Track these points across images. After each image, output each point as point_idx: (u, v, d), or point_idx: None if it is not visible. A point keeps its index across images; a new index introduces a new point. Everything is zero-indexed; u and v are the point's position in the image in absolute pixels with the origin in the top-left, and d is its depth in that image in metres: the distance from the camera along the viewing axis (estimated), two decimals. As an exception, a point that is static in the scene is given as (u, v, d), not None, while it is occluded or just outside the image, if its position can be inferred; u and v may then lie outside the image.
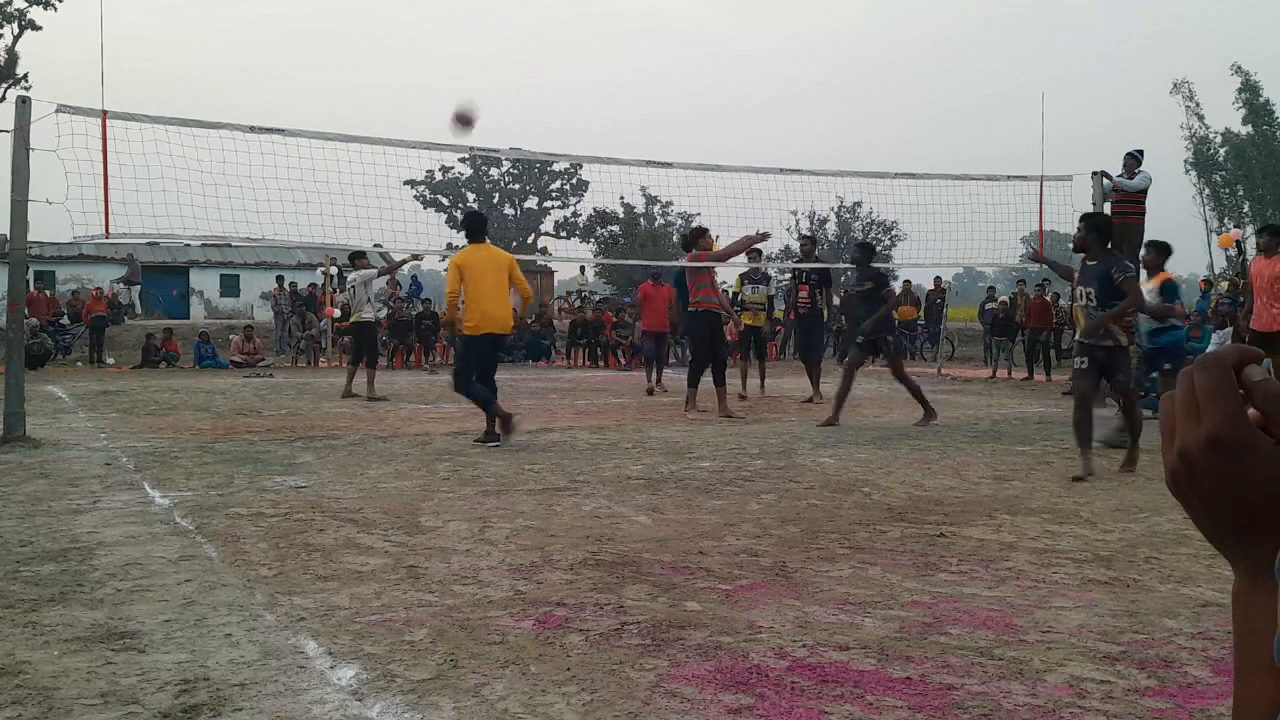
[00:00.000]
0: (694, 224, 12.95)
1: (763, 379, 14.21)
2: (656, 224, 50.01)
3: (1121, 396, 7.50)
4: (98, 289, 27.64)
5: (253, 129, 9.76)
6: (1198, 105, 46.02)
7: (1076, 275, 7.53)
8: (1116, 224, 13.10)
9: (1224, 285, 17.99)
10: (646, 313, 15.45)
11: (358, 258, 14.41)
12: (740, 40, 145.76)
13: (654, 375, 14.89)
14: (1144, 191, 13.06)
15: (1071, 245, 7.56)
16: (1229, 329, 13.58)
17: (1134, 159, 13.02)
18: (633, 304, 15.76)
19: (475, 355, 8.98)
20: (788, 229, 52.65)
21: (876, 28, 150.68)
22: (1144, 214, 13.24)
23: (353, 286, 13.83)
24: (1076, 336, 7.71)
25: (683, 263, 11.95)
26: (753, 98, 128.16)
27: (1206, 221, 45.48)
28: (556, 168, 58.48)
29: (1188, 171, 45.96)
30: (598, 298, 32.16)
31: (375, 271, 14.21)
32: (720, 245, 11.82)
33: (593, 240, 49.08)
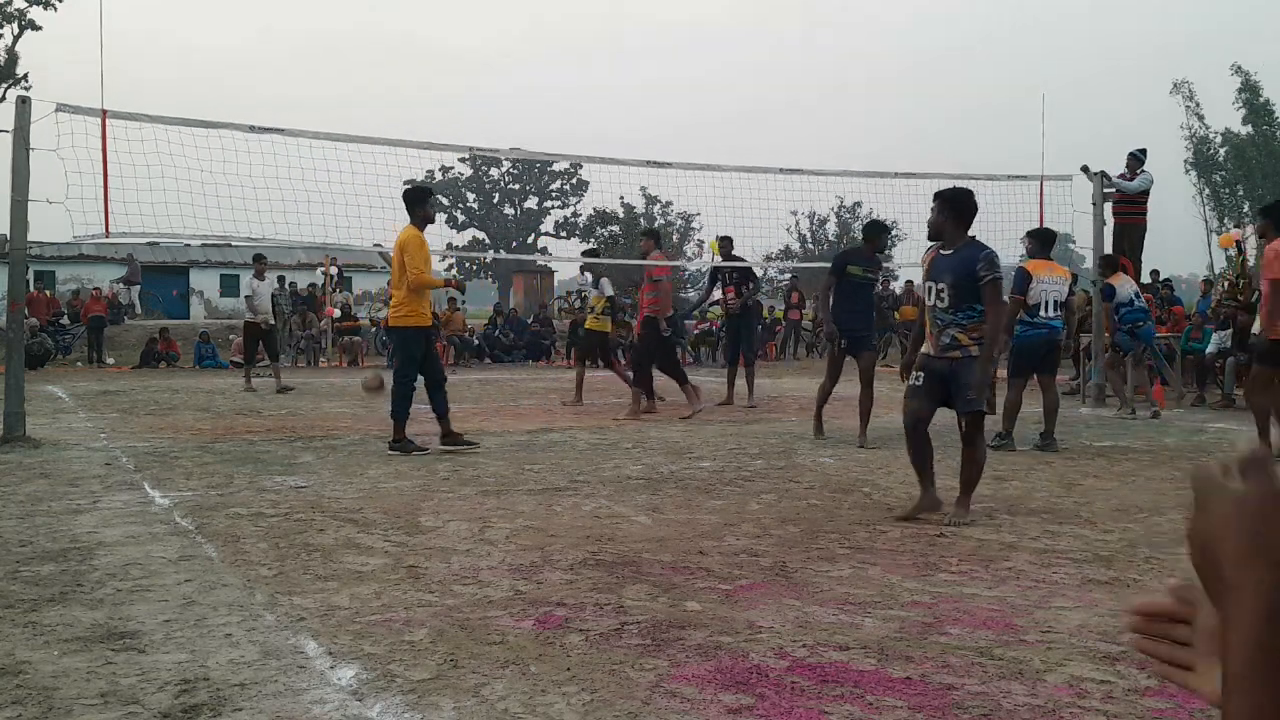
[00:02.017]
0: (693, 223, 12.86)
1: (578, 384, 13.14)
2: (656, 224, 50.07)
3: (965, 420, 5.66)
4: (96, 289, 27.62)
5: (253, 129, 9.76)
6: (1198, 105, 46.10)
7: (926, 266, 5.87)
8: (1118, 225, 13.18)
9: (1224, 285, 17.96)
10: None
11: (258, 260, 15.61)
12: (742, 44, 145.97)
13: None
14: (1145, 192, 13.06)
15: (928, 231, 5.86)
16: (1229, 330, 13.57)
17: (1136, 159, 13.02)
18: (633, 304, 15.63)
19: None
20: (787, 229, 52.84)
21: (880, 31, 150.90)
22: (1145, 214, 13.25)
23: (249, 293, 15.32)
24: (923, 349, 5.81)
25: (646, 262, 11.90)
26: (752, 102, 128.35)
27: (1206, 221, 45.54)
28: (556, 168, 58.50)
29: (1188, 171, 46.02)
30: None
31: (259, 282, 15.27)
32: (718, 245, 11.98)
33: (593, 240, 49.12)
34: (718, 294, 12.82)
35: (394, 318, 8.47)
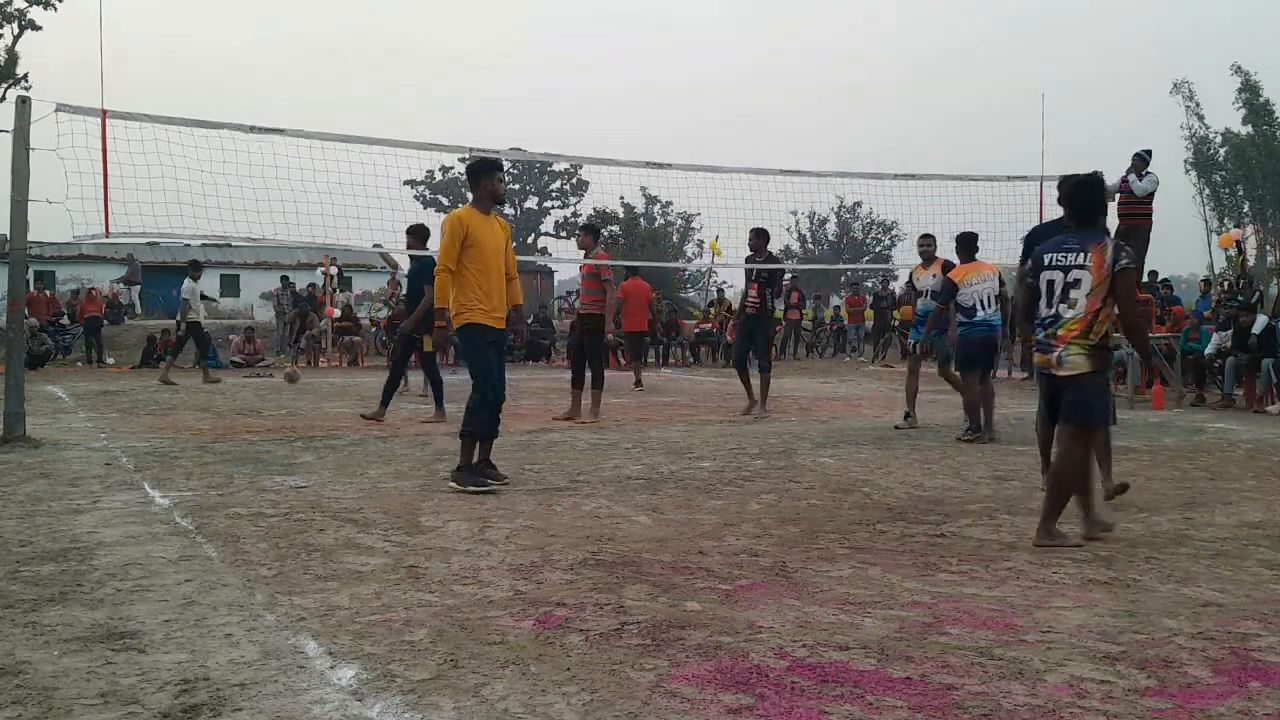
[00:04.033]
0: (693, 223, 12.82)
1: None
2: (656, 224, 50.10)
3: None
4: (93, 289, 27.60)
5: (252, 129, 9.76)
6: (1198, 105, 46.15)
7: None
8: (1123, 226, 13.17)
9: (1224, 285, 17.96)
10: (625, 311, 15.32)
11: (194, 267, 16.98)
12: (741, 47, 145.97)
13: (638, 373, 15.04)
14: (1150, 194, 13.05)
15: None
16: (1229, 330, 13.57)
17: (1142, 159, 13.00)
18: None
19: None
20: (787, 229, 52.87)
21: (880, 34, 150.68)
22: (1151, 215, 13.23)
23: (188, 296, 16.64)
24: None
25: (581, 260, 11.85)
26: (752, 105, 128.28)
27: (1206, 221, 45.58)
28: (556, 168, 58.50)
29: (1188, 171, 46.07)
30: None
31: (194, 284, 16.72)
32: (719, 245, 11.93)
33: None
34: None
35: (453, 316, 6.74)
